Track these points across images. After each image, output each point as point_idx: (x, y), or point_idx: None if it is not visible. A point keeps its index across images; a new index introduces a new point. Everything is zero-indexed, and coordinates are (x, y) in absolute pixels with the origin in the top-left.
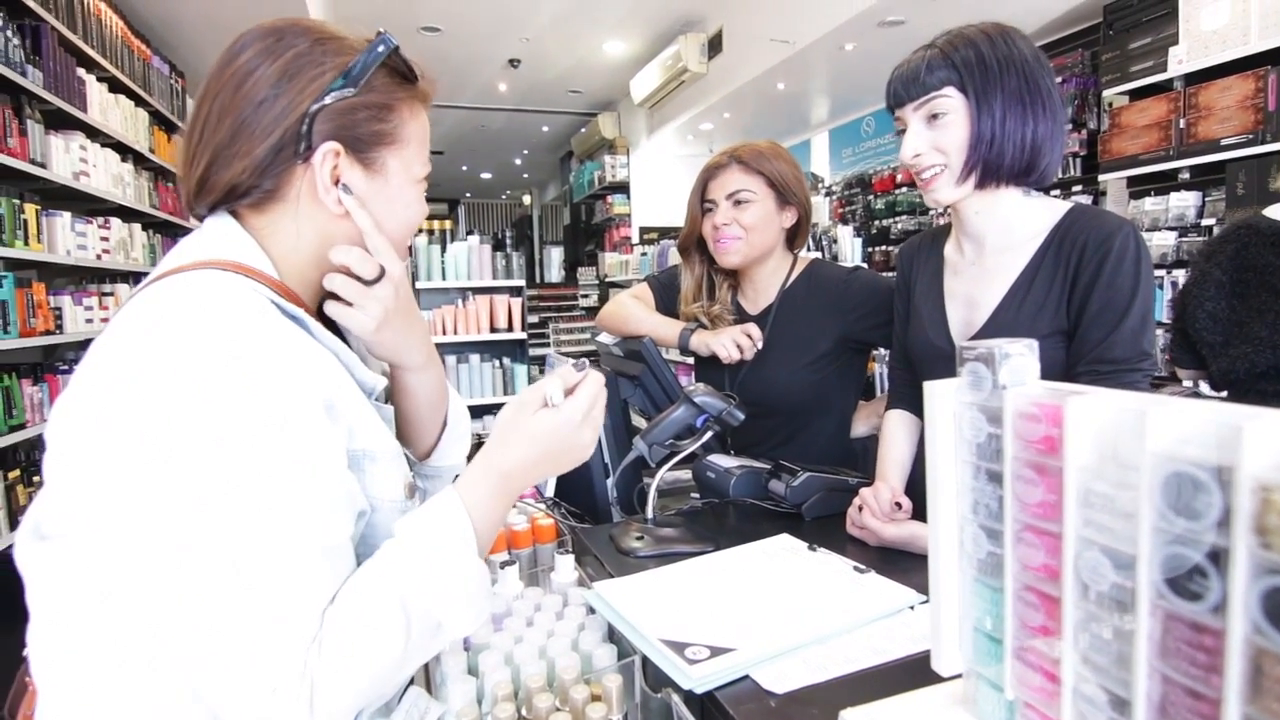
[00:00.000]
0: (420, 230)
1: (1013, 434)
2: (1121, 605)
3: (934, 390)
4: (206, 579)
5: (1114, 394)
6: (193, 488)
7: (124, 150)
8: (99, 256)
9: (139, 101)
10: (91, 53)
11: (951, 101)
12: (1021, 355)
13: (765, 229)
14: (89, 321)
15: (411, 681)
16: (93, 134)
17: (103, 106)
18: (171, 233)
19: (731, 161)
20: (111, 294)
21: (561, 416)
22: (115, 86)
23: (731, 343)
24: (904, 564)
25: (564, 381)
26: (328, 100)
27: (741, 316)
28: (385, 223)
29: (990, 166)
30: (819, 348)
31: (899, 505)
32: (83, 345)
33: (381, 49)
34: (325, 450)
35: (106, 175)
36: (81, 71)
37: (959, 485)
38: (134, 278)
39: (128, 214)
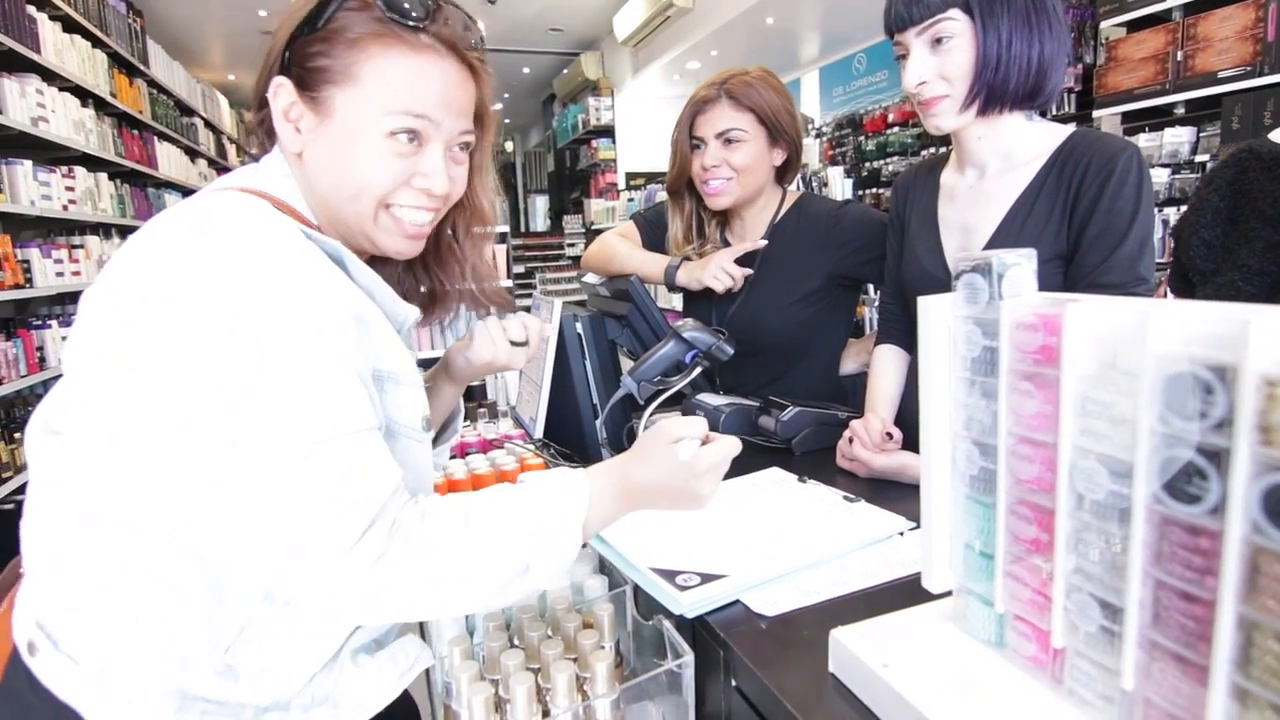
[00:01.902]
0: None
1: (1010, 345)
2: (1117, 513)
3: (927, 305)
4: (262, 460)
5: (1113, 300)
6: (238, 376)
7: (84, 95)
8: (65, 207)
9: (96, 42)
10: None
11: (957, 24)
12: (1019, 265)
13: (756, 169)
14: (60, 275)
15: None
16: (49, 77)
17: (57, 47)
18: (141, 183)
19: (721, 95)
20: (81, 246)
21: (685, 461)
22: (69, 26)
23: (721, 270)
24: (894, 494)
25: (704, 429)
26: (294, 41)
27: None
28: (330, 173)
29: (995, 92)
30: (809, 284)
31: (889, 436)
32: (55, 300)
33: None
34: (355, 356)
35: (66, 121)
36: (32, 9)
37: (952, 402)
38: (104, 229)
39: (93, 163)
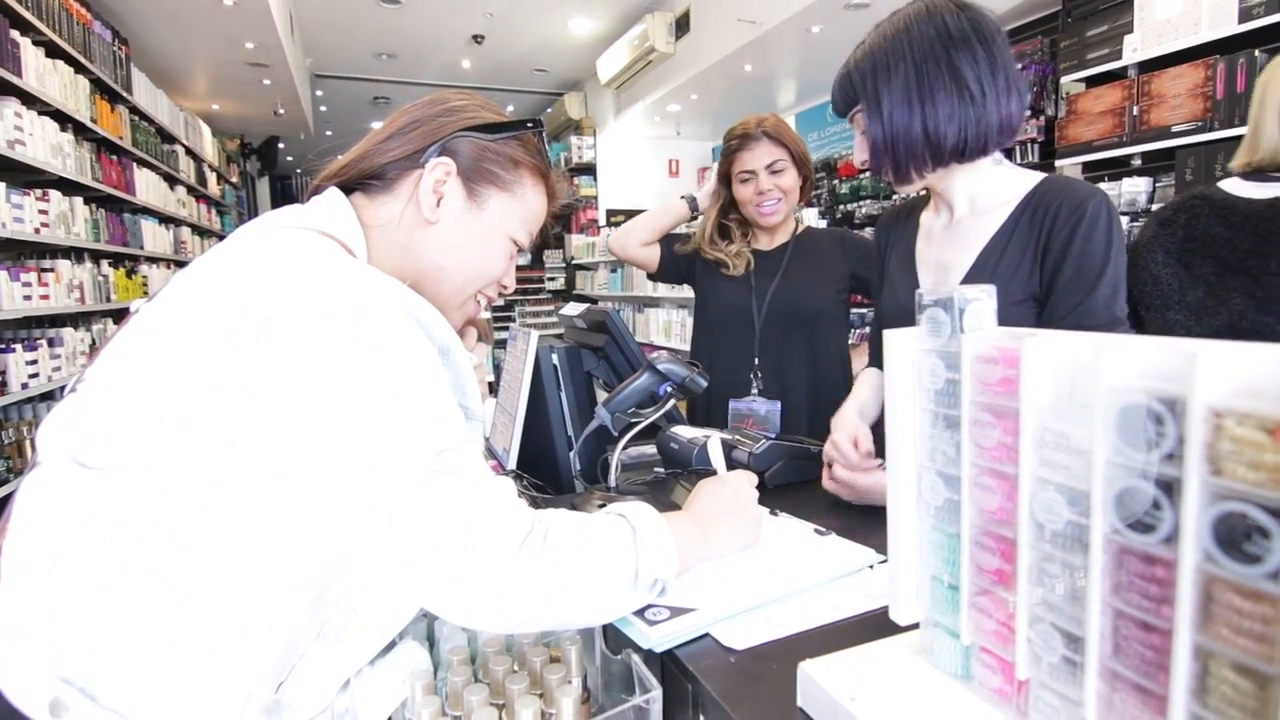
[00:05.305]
0: None
1: (971, 377)
2: (1076, 543)
3: (892, 339)
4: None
5: (1069, 334)
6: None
7: (63, 119)
8: (37, 230)
9: (79, 68)
10: (27, 14)
11: (863, 116)
12: (979, 300)
13: (794, 190)
14: (27, 298)
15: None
16: (29, 101)
17: (39, 72)
18: (116, 208)
19: (762, 136)
20: (52, 270)
21: (724, 478)
22: (53, 51)
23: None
24: (866, 527)
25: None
26: (466, 134)
27: (755, 254)
28: (459, 252)
29: (899, 162)
30: (835, 273)
31: (869, 453)
32: (21, 323)
33: (530, 125)
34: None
35: (44, 145)
36: (15, 34)
37: (917, 433)
38: (76, 253)
39: (68, 186)
